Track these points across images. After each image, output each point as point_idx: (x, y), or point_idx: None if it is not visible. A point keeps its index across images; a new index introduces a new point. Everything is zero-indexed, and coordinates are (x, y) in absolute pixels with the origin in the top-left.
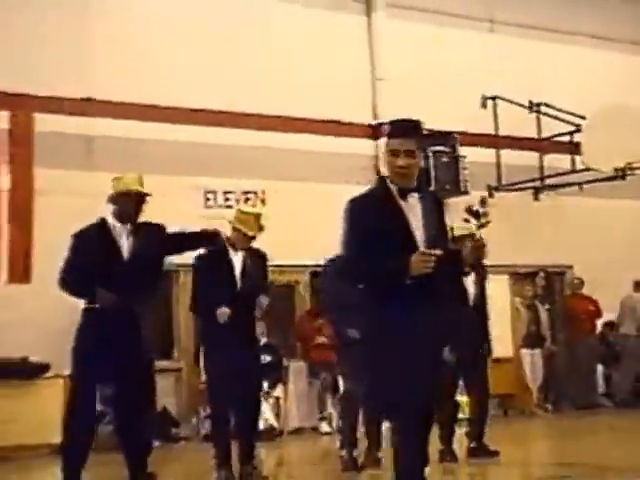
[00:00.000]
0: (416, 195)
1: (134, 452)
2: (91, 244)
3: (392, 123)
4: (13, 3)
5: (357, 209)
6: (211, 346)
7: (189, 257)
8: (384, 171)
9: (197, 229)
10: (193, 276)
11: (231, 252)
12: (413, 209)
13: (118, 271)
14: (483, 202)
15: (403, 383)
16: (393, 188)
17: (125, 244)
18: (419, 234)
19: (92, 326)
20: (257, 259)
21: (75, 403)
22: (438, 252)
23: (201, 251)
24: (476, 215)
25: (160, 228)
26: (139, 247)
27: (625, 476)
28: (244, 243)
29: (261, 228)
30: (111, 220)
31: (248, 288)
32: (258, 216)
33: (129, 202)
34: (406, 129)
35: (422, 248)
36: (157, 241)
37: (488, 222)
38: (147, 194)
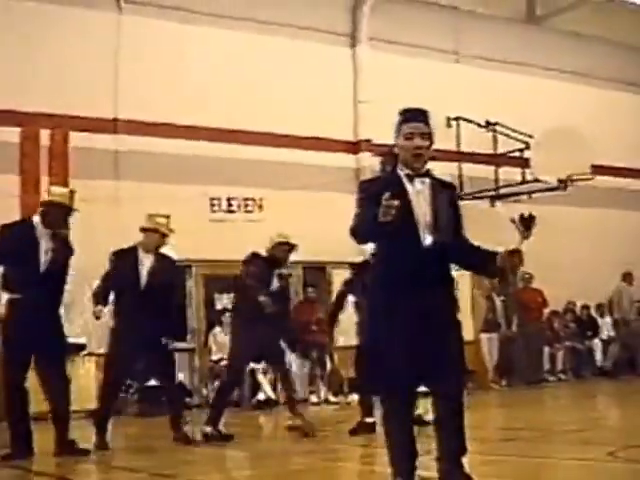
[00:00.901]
0: (427, 180)
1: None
2: None
3: (405, 111)
4: (52, 37)
5: (365, 188)
6: None
7: (202, 253)
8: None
9: None
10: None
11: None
12: (420, 193)
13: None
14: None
15: (390, 363)
16: (401, 173)
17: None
18: (422, 217)
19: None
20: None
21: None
22: (395, 203)
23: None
24: (528, 222)
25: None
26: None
27: (563, 436)
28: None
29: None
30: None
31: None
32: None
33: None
34: (419, 114)
35: (423, 231)
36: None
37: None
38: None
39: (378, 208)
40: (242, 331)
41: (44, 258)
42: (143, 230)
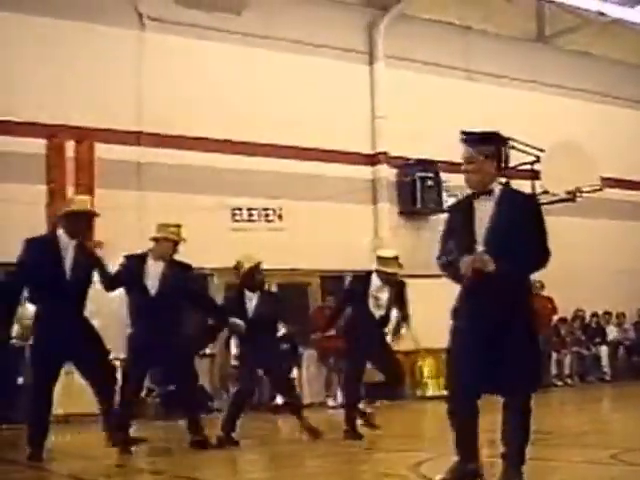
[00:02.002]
0: (493, 198)
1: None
2: None
3: (460, 133)
4: (77, 52)
5: (448, 219)
6: None
7: (223, 261)
8: None
9: None
10: None
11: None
12: (483, 210)
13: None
14: None
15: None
16: (471, 191)
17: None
18: (479, 231)
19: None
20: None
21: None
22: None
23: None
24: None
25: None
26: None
27: (567, 439)
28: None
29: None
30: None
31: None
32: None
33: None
34: (466, 139)
35: (480, 247)
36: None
37: None
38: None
39: (450, 236)
40: (245, 341)
41: (68, 268)
42: (154, 239)
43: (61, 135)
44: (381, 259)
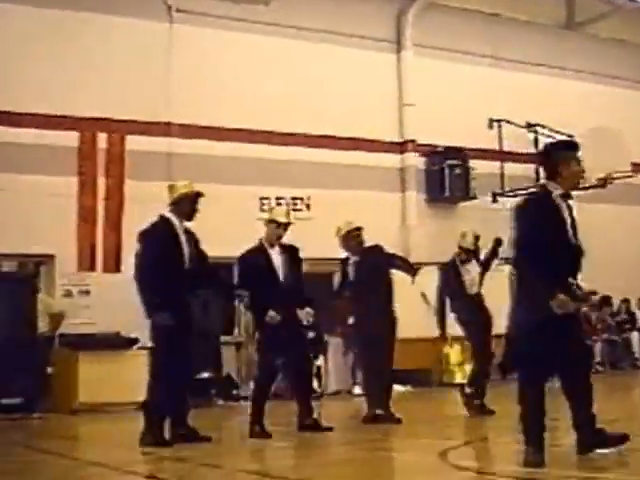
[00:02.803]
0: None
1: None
2: None
3: (573, 143)
4: (108, 45)
5: (529, 210)
6: None
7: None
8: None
9: None
10: None
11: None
12: (568, 210)
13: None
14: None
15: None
16: (556, 192)
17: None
18: (570, 231)
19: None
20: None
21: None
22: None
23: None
24: None
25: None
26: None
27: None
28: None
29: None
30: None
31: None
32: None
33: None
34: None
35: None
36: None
37: None
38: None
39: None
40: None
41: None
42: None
43: (93, 127)
44: None
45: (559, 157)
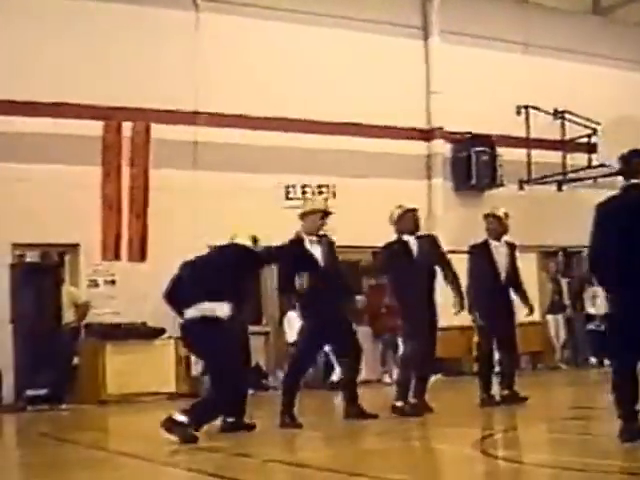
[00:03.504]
0: None
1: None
2: None
3: None
4: (133, 33)
5: (607, 211)
6: None
7: (277, 239)
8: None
9: None
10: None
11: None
12: None
13: None
14: None
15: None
16: None
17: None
18: None
19: None
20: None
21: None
22: None
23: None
24: None
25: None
26: None
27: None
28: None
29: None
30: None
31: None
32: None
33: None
34: None
35: None
36: None
37: None
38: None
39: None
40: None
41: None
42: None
43: (117, 116)
44: None
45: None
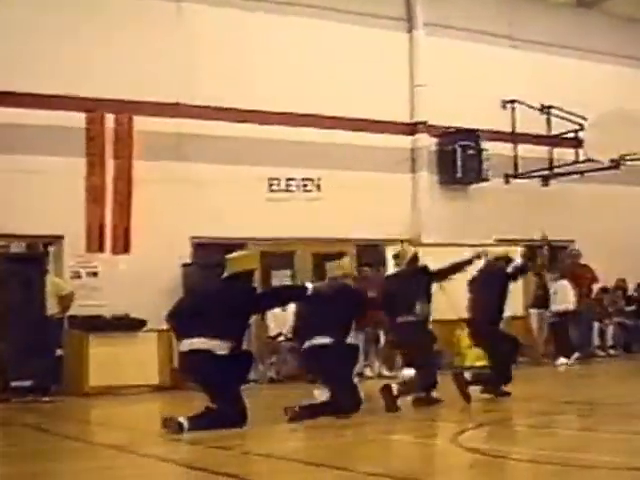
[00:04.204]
0: None
1: None
2: None
3: None
4: (116, 25)
5: None
6: None
7: (260, 231)
8: None
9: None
10: None
11: None
12: None
13: None
14: None
15: None
16: None
17: None
18: None
19: None
20: None
21: None
22: None
23: None
24: None
25: None
26: None
27: (611, 409)
28: None
29: None
30: None
31: None
32: None
33: None
34: None
35: None
36: None
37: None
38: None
39: None
40: None
41: None
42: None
43: (101, 108)
44: None
45: None
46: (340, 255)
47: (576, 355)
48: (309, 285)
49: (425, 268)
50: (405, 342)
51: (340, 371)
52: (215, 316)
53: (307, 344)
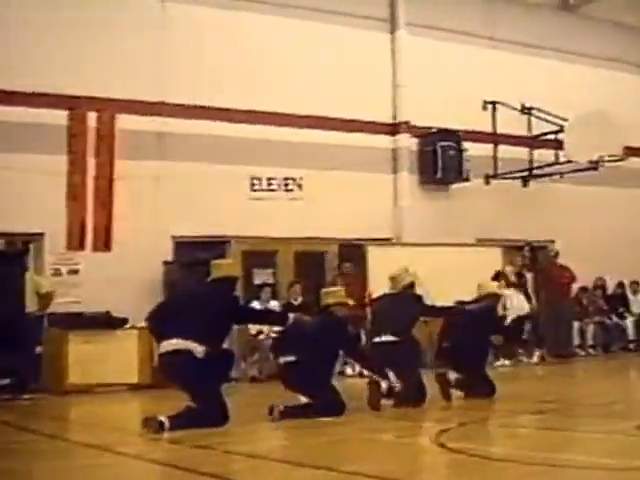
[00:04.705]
0: None
1: None
2: None
3: None
4: (98, 23)
5: None
6: None
7: (242, 230)
8: None
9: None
10: None
11: None
12: None
13: None
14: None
15: None
16: None
17: None
18: None
19: None
20: None
21: None
22: None
23: None
24: None
25: None
26: None
27: (592, 409)
28: None
29: None
30: None
31: None
32: None
33: None
34: None
35: None
36: None
37: None
38: None
39: None
40: None
41: None
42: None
43: (82, 106)
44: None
45: None
46: (322, 254)
47: (538, 353)
48: (291, 315)
49: (419, 297)
50: (385, 362)
51: (319, 379)
52: (197, 318)
53: (282, 360)
